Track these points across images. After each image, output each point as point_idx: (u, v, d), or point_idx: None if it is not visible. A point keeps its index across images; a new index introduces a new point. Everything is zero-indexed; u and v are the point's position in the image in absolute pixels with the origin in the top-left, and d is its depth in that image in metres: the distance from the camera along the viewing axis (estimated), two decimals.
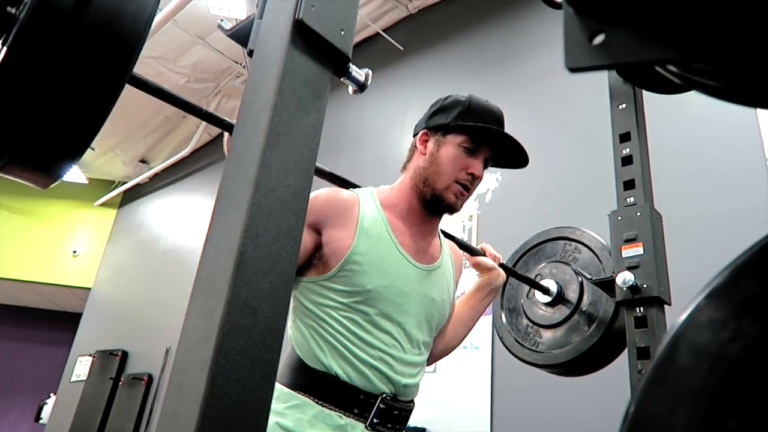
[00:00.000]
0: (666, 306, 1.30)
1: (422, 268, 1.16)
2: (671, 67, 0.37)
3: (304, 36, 0.56)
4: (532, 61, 3.76)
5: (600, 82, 1.66)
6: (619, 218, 1.39)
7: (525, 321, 1.63)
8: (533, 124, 3.56)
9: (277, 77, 0.53)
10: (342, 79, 0.64)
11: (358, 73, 0.64)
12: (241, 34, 0.64)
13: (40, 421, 7.03)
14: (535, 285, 1.57)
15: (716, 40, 0.31)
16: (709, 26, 0.31)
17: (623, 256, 1.34)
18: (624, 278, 1.29)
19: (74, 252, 7.69)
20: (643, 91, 1.50)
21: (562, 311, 1.54)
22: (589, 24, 0.36)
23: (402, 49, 4.82)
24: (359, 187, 1.21)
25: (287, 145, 0.53)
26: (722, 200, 2.57)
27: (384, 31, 4.89)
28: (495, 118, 1.20)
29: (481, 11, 4.31)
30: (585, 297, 1.51)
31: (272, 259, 0.49)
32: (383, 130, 4.54)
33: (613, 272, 1.35)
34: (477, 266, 1.35)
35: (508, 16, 4.10)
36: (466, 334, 1.34)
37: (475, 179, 1.17)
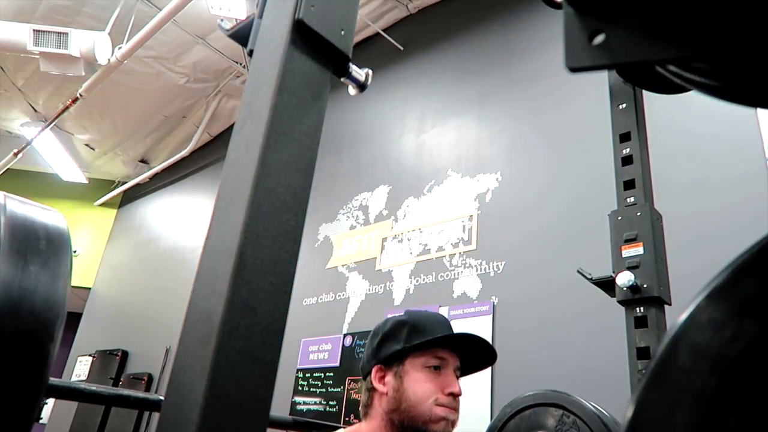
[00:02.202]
0: (666, 306, 1.30)
1: None
2: (671, 67, 0.37)
3: (304, 36, 0.56)
4: (532, 61, 3.76)
5: (600, 82, 1.66)
6: (619, 218, 1.39)
7: None
8: (533, 124, 3.56)
9: (277, 77, 0.53)
10: (342, 79, 0.64)
11: (358, 73, 0.64)
12: (241, 34, 0.64)
13: (40, 421, 7.03)
14: None
15: (716, 40, 0.31)
16: (709, 26, 0.31)
17: (623, 256, 1.34)
18: (624, 278, 1.29)
19: (74, 252, 7.69)
20: (643, 91, 1.50)
21: None
22: (590, 24, 0.36)
23: (402, 49, 4.82)
24: (333, 428, 1.05)
25: (287, 145, 0.53)
26: (722, 200, 2.57)
27: (384, 31, 4.89)
28: (445, 324, 1.08)
29: (480, 11, 4.31)
30: None
31: (272, 259, 0.49)
32: (383, 130, 4.54)
33: (613, 272, 1.35)
34: None
35: (508, 16, 4.10)
36: None
37: (456, 398, 1.02)
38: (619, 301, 1.33)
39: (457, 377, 1.06)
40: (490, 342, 3.10)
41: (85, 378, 6.45)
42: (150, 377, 5.63)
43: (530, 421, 1.50)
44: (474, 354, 1.10)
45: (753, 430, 0.27)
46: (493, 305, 3.23)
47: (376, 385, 1.05)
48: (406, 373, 1.02)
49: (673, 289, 1.33)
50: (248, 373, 0.45)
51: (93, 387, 0.63)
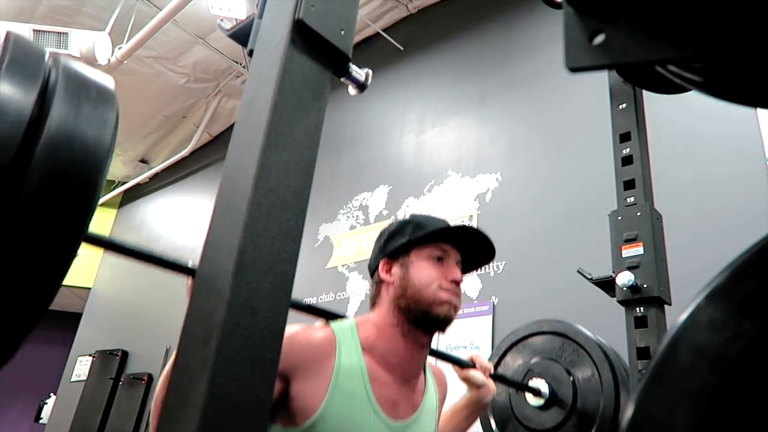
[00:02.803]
0: (666, 306, 1.30)
1: (399, 427, 1.05)
2: (671, 67, 0.37)
3: (304, 36, 0.56)
4: (532, 61, 3.76)
5: (600, 82, 1.66)
6: (619, 218, 1.39)
7: (516, 423, 1.53)
8: (533, 124, 3.56)
9: (277, 77, 0.53)
10: (342, 79, 0.64)
11: (358, 73, 0.64)
12: (241, 34, 0.64)
13: (40, 421, 7.03)
14: (527, 389, 1.48)
15: (716, 40, 0.31)
16: (709, 26, 0.31)
17: (623, 256, 1.35)
18: (624, 278, 1.29)
19: None
20: (643, 91, 1.50)
21: (556, 414, 1.45)
22: (590, 24, 0.36)
23: (402, 49, 4.82)
24: (340, 317, 1.11)
25: (287, 145, 0.53)
26: (722, 200, 2.57)
27: (384, 31, 4.89)
28: (445, 222, 1.14)
29: (481, 11, 4.31)
30: (579, 400, 1.42)
31: (272, 259, 0.49)
32: (383, 130, 4.54)
33: (613, 272, 1.35)
34: (466, 381, 1.25)
35: (508, 16, 4.10)
36: None
37: (458, 285, 1.09)
38: (619, 301, 1.33)
39: (460, 270, 1.12)
40: (491, 337, 3.11)
41: (85, 378, 6.44)
42: (150, 377, 5.63)
43: (531, 349, 1.58)
44: (474, 251, 1.16)
45: (752, 429, 0.27)
46: (493, 305, 3.23)
47: (384, 276, 1.11)
48: (412, 263, 1.09)
49: (673, 289, 1.33)
50: (248, 373, 0.45)
51: (129, 243, 0.75)
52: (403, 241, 1.11)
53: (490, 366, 1.29)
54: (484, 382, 1.24)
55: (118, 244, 0.73)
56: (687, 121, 2.82)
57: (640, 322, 1.27)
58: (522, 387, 1.48)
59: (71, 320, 7.64)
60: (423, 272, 1.07)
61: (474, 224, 3.54)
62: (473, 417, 1.27)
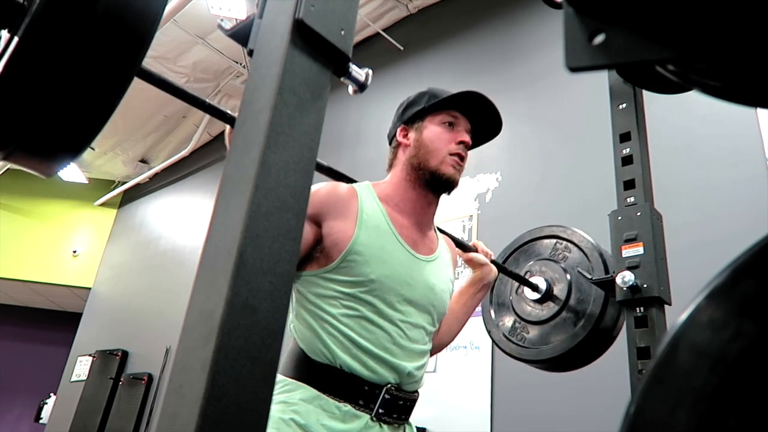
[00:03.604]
0: (666, 306, 1.30)
1: (422, 259, 1.17)
2: (671, 67, 0.37)
3: (304, 36, 0.56)
4: (532, 61, 3.76)
5: (600, 82, 1.66)
6: (619, 218, 1.39)
7: (513, 317, 1.66)
8: (533, 124, 3.56)
9: (277, 77, 0.53)
10: (342, 79, 0.64)
11: (358, 72, 0.64)
12: (241, 34, 0.64)
13: (40, 421, 7.03)
14: (524, 282, 1.59)
15: (716, 39, 0.31)
16: (709, 26, 0.31)
17: (623, 256, 1.34)
18: (624, 278, 1.29)
19: (74, 252, 7.69)
20: (643, 91, 1.50)
21: (550, 308, 1.57)
22: (589, 24, 0.36)
23: (402, 49, 4.82)
24: (357, 181, 1.22)
25: (287, 145, 0.53)
26: (722, 200, 2.57)
27: (384, 31, 4.89)
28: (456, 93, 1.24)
29: (480, 11, 4.31)
30: (573, 295, 1.54)
31: (272, 259, 0.49)
32: (383, 130, 4.52)
33: (614, 272, 1.35)
34: (470, 262, 1.37)
35: (508, 16, 4.10)
36: (460, 330, 1.36)
37: (466, 147, 1.21)
38: (619, 301, 1.33)
39: (471, 140, 1.24)
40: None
41: (85, 378, 6.44)
42: (150, 377, 5.63)
43: (527, 254, 1.72)
44: (483, 121, 1.27)
45: (752, 429, 0.27)
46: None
47: (401, 139, 1.26)
48: (426, 127, 1.23)
49: (673, 289, 1.33)
50: (248, 373, 0.45)
51: (176, 82, 0.89)
52: (418, 108, 1.24)
53: (491, 252, 1.41)
54: (486, 261, 1.36)
55: (168, 82, 0.85)
56: (687, 122, 2.82)
57: (640, 322, 1.27)
58: (521, 279, 1.58)
59: (71, 320, 7.64)
60: (434, 135, 1.21)
61: (474, 224, 3.54)
62: (479, 295, 1.37)
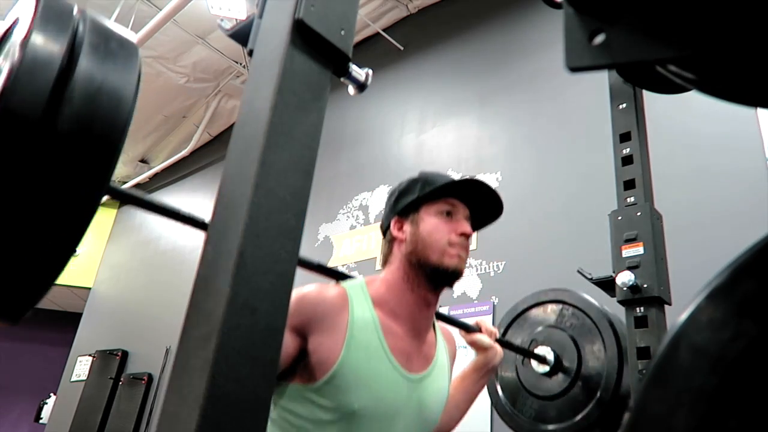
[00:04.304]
0: (666, 306, 1.30)
1: (415, 379, 1.07)
2: (671, 67, 0.37)
3: (304, 36, 0.56)
4: (532, 61, 3.76)
5: (600, 82, 1.66)
6: (619, 218, 1.39)
7: (520, 389, 1.56)
8: (533, 124, 3.56)
9: (277, 77, 0.53)
10: (342, 79, 0.64)
11: (358, 72, 0.64)
12: (241, 34, 0.64)
13: (40, 421, 7.03)
14: (532, 356, 1.50)
15: (716, 39, 0.31)
16: (709, 26, 0.31)
17: (623, 256, 1.34)
18: (624, 278, 1.29)
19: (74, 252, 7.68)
20: (643, 91, 1.50)
21: (560, 382, 1.48)
22: (590, 24, 0.36)
23: (402, 49, 4.82)
24: (350, 277, 1.13)
25: (287, 145, 0.53)
26: (723, 200, 2.57)
27: (384, 31, 4.89)
28: (452, 178, 1.15)
29: (481, 11, 4.31)
30: (583, 365, 1.45)
31: (272, 259, 0.49)
32: (383, 130, 4.54)
33: (613, 272, 1.35)
34: (473, 345, 1.27)
35: (508, 16, 4.10)
36: (461, 417, 1.25)
37: (467, 238, 1.11)
38: (619, 301, 1.33)
39: (469, 224, 1.14)
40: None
41: (85, 378, 6.44)
42: (150, 377, 5.63)
43: (533, 320, 1.61)
44: (483, 207, 1.17)
45: (752, 429, 0.27)
46: (493, 305, 3.23)
47: (396, 234, 1.14)
48: (422, 219, 1.11)
49: (673, 289, 1.33)
50: (248, 373, 0.45)
51: (148, 197, 0.76)
52: (412, 197, 1.13)
53: (496, 331, 1.31)
54: (491, 344, 1.26)
55: (138, 197, 0.74)
56: (687, 121, 2.82)
57: (640, 322, 1.27)
58: (527, 353, 1.50)
59: (71, 320, 7.64)
60: (433, 227, 1.09)
61: None
62: (483, 381, 1.27)
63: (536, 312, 1.63)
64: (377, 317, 1.05)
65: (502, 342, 1.35)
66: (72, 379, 6.74)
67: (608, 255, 1.41)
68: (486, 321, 1.31)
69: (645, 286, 1.28)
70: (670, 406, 0.30)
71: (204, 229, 0.81)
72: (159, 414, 0.45)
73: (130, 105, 0.56)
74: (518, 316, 1.66)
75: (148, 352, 5.81)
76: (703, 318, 0.31)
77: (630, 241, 1.35)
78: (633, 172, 1.41)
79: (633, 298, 1.29)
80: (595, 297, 1.56)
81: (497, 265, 3.31)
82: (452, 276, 1.08)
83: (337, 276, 1.12)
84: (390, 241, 1.15)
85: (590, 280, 1.49)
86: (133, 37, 0.62)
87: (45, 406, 7.06)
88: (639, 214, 1.36)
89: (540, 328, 1.57)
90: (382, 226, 1.20)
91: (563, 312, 1.56)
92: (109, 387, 5.95)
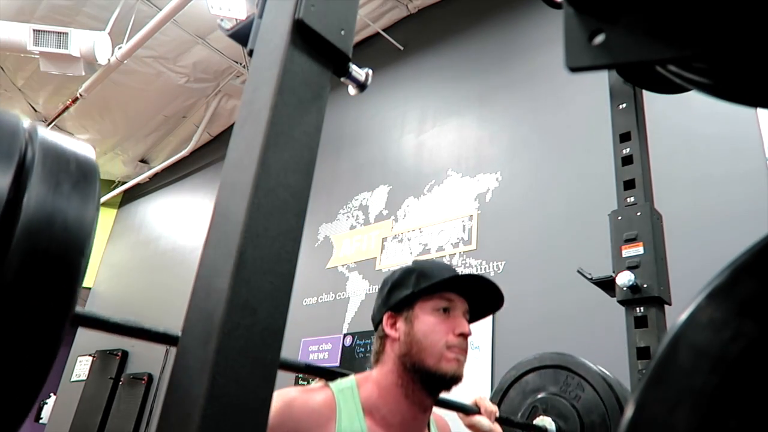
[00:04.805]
0: (666, 306, 1.30)
1: None
2: (671, 67, 0.37)
3: (304, 36, 0.56)
4: (532, 61, 3.76)
5: (600, 82, 1.66)
6: (619, 218, 1.39)
7: None
8: (533, 124, 3.56)
9: (277, 77, 0.53)
10: (342, 79, 0.64)
11: (358, 72, 0.64)
12: (241, 34, 0.64)
13: (40, 421, 7.04)
14: (534, 430, 1.41)
15: (716, 39, 0.31)
16: (709, 26, 0.31)
17: (623, 256, 1.35)
18: (624, 278, 1.29)
19: None
20: (643, 91, 1.50)
21: None
22: (590, 24, 0.36)
23: (402, 48, 4.82)
24: (341, 375, 1.07)
25: (287, 145, 0.53)
26: (722, 200, 2.57)
27: (384, 30, 4.89)
28: (451, 270, 1.08)
29: (481, 11, 4.31)
30: None
31: (272, 259, 0.49)
32: (383, 130, 4.54)
33: (613, 272, 1.36)
34: (472, 428, 1.19)
35: (508, 15, 4.10)
36: None
37: (466, 338, 1.04)
38: (619, 301, 1.33)
39: (467, 321, 1.06)
40: (491, 337, 3.11)
41: (85, 378, 6.45)
42: (150, 377, 5.63)
43: (534, 384, 1.51)
44: (481, 298, 1.10)
45: (752, 429, 0.27)
46: None
47: (388, 331, 1.06)
48: (416, 317, 1.04)
49: (673, 289, 1.33)
50: (248, 373, 0.45)
51: (116, 318, 0.65)
52: (406, 293, 1.05)
53: (495, 410, 1.23)
54: (491, 428, 1.17)
55: (106, 321, 0.64)
56: (687, 121, 2.82)
57: (640, 322, 1.27)
58: (528, 428, 1.41)
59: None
60: (428, 328, 1.02)
61: (474, 224, 3.54)
62: None
63: (538, 376, 1.53)
64: (366, 428, 0.98)
65: (502, 420, 1.28)
66: (72, 379, 6.74)
67: (608, 255, 1.41)
68: (485, 400, 1.23)
69: (645, 286, 1.28)
70: (670, 406, 0.30)
71: (173, 344, 0.70)
72: (159, 414, 0.45)
73: (88, 234, 0.51)
74: (520, 378, 1.56)
75: (148, 352, 5.82)
76: (704, 318, 0.31)
77: (630, 241, 1.35)
78: (633, 172, 1.41)
79: (633, 298, 1.29)
80: (595, 297, 1.53)
81: (497, 265, 3.31)
82: (450, 382, 1.01)
83: (327, 375, 1.05)
84: (382, 338, 1.08)
85: (590, 280, 1.49)
86: (90, 152, 0.56)
87: (45, 406, 7.06)
88: (639, 214, 1.36)
89: (542, 395, 1.48)
90: (373, 320, 1.12)
91: (568, 381, 1.46)
92: (109, 387, 5.95)
